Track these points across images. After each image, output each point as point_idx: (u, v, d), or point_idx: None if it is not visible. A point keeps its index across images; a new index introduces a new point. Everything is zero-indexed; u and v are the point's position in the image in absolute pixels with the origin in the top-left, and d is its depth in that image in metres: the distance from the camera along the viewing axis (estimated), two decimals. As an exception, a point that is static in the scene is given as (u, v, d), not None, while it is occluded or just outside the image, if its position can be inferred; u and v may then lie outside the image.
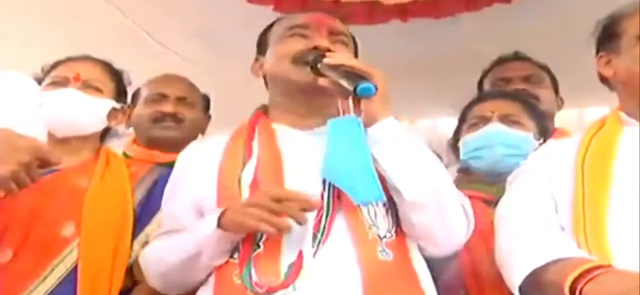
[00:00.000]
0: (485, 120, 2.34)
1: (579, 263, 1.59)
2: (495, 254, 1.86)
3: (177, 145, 2.38)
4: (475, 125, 2.36)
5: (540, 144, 2.25)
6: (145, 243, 2.06)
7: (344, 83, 1.74)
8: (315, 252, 1.68)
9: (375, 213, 1.76)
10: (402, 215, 1.78)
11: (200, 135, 2.91)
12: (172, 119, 2.78)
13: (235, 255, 1.72)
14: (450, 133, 2.58)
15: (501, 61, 2.99)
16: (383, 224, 1.76)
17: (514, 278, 1.70)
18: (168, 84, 2.89)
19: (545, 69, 2.95)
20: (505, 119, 2.31)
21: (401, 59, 3.58)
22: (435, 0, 3.20)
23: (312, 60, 1.86)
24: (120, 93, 2.37)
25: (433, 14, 3.08)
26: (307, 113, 1.94)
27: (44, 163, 1.65)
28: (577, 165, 1.81)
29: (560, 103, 2.95)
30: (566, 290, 1.56)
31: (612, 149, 1.81)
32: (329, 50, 1.88)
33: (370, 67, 1.78)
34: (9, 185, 1.57)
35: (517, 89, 2.75)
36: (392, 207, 1.78)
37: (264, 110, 2.03)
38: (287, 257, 1.67)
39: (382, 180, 1.71)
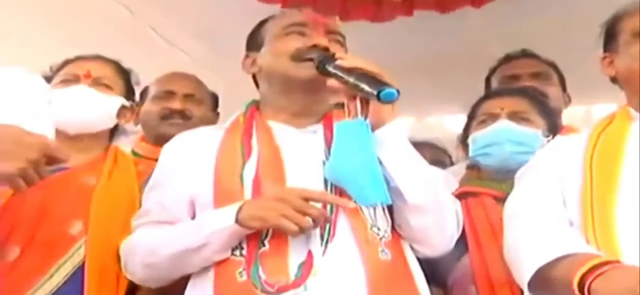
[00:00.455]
0: (494, 117, 2.33)
1: (587, 259, 1.59)
2: (504, 251, 1.86)
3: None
4: (484, 122, 2.35)
5: (549, 141, 2.24)
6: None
7: (364, 87, 1.72)
8: (324, 251, 1.69)
9: (376, 213, 1.77)
10: (399, 217, 1.79)
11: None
12: (180, 115, 2.79)
13: (237, 252, 1.72)
14: (457, 130, 2.58)
15: (509, 58, 2.99)
16: (382, 224, 1.77)
17: (523, 274, 1.71)
18: (176, 82, 2.91)
19: (553, 66, 2.95)
20: (514, 116, 2.30)
21: (408, 56, 3.58)
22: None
23: (319, 60, 1.86)
24: (129, 91, 2.39)
25: (438, 7, 3.08)
26: (302, 111, 1.96)
27: (52, 160, 1.64)
28: (585, 160, 1.81)
29: (567, 100, 2.95)
30: (575, 286, 1.56)
31: (621, 145, 1.81)
32: (327, 49, 1.89)
33: (383, 70, 1.78)
34: (17, 183, 1.55)
35: (525, 86, 2.75)
36: (388, 207, 1.79)
37: (257, 106, 2.03)
38: (295, 256, 1.68)
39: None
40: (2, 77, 1.78)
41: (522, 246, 1.78)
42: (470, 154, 2.39)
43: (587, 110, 4.30)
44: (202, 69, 3.46)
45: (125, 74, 2.39)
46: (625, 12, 1.96)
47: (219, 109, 3.06)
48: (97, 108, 2.23)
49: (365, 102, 1.76)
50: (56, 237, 1.99)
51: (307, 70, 1.89)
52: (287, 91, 1.96)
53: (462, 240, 2.07)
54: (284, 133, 1.93)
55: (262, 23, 2.10)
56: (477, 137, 2.36)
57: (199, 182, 1.86)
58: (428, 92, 4.15)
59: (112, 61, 2.36)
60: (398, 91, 1.72)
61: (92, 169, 2.16)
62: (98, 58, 2.34)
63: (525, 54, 2.97)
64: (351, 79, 1.75)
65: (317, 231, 1.70)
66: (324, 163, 1.82)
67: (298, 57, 1.91)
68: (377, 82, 1.73)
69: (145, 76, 2.97)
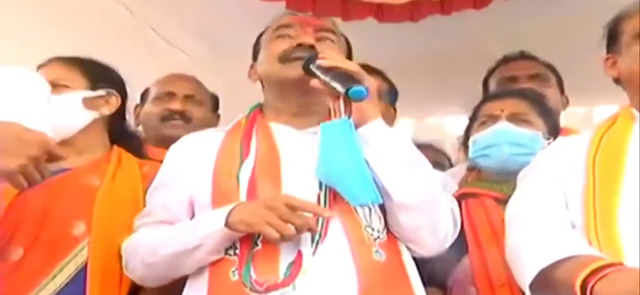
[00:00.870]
0: (494, 118, 2.34)
1: (589, 261, 1.58)
2: (506, 253, 1.86)
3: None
4: (484, 124, 2.36)
5: (549, 143, 2.24)
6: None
7: (336, 85, 1.76)
8: (314, 251, 1.70)
9: (370, 213, 1.78)
10: (390, 216, 1.80)
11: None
12: (180, 116, 2.79)
13: (231, 252, 1.74)
14: (457, 131, 2.58)
15: (507, 60, 3.00)
16: (377, 224, 1.78)
17: (525, 276, 1.70)
18: (175, 83, 2.91)
19: (551, 68, 2.95)
20: (514, 118, 2.31)
21: (408, 57, 3.58)
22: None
23: (306, 60, 1.87)
24: (94, 81, 2.27)
25: (441, 11, 3.07)
26: (300, 111, 1.97)
27: (52, 157, 1.64)
28: (588, 162, 1.82)
29: (565, 102, 2.96)
30: (577, 288, 1.55)
31: (623, 146, 1.81)
32: (313, 47, 1.91)
33: (361, 69, 1.81)
34: (17, 180, 1.55)
35: (523, 88, 2.75)
36: (383, 207, 1.80)
37: (260, 109, 2.05)
38: (285, 256, 1.69)
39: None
40: (2, 76, 1.77)
41: (524, 248, 1.78)
42: (470, 155, 2.40)
43: (588, 111, 4.29)
44: (202, 69, 3.46)
45: (82, 66, 2.28)
46: (627, 13, 1.97)
47: (219, 111, 3.07)
48: (59, 112, 2.12)
49: (348, 101, 1.77)
50: (59, 237, 1.98)
51: (294, 70, 1.91)
52: (281, 93, 1.99)
53: (462, 241, 2.07)
54: (283, 134, 1.94)
55: (262, 34, 2.12)
56: (477, 138, 2.36)
57: (198, 182, 1.89)
58: (428, 93, 4.14)
59: (67, 58, 2.28)
60: (367, 90, 1.75)
61: (96, 169, 2.15)
62: (52, 61, 2.27)
63: (523, 56, 2.98)
64: (327, 78, 1.78)
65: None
66: None
67: (285, 58, 1.94)
68: (348, 80, 1.75)
69: (145, 76, 2.98)
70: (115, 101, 2.29)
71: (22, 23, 3.55)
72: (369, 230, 1.75)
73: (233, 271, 1.70)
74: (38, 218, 1.99)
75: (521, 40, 3.07)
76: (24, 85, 1.88)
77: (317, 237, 1.71)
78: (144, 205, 2.04)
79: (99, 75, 2.29)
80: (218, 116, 3.04)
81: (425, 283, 1.84)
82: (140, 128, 2.81)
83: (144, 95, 2.95)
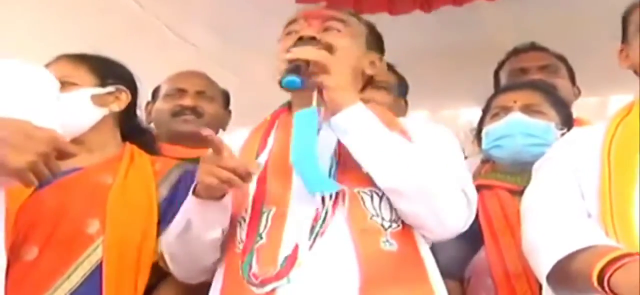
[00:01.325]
0: (507, 110, 2.34)
1: (606, 251, 1.57)
2: (523, 244, 1.84)
3: (198, 140, 2.35)
4: (497, 115, 2.36)
5: (563, 134, 2.24)
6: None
7: (278, 77, 1.80)
8: (312, 244, 1.69)
9: (380, 202, 1.76)
10: (392, 203, 1.77)
11: (221, 131, 2.91)
12: (191, 112, 2.79)
13: (240, 246, 1.76)
14: (472, 123, 2.57)
15: (517, 51, 3.00)
16: (387, 214, 1.75)
17: (542, 267, 1.69)
18: (186, 79, 2.92)
19: (562, 59, 2.95)
20: (527, 109, 2.31)
21: (422, 49, 3.57)
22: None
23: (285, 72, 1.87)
24: (103, 78, 2.25)
25: (454, 2, 3.07)
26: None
27: (62, 154, 1.62)
28: (603, 152, 1.80)
29: (577, 93, 2.96)
30: (594, 278, 1.54)
31: (639, 135, 1.79)
32: (314, 39, 1.89)
33: (326, 58, 1.80)
34: (27, 177, 1.53)
35: (533, 79, 2.75)
36: None
37: (289, 107, 2.04)
38: (285, 249, 1.69)
39: None
40: (11, 71, 1.76)
41: (541, 239, 1.76)
42: (483, 147, 2.40)
43: (602, 101, 4.27)
44: (212, 64, 3.46)
45: (89, 63, 2.26)
46: (634, 4, 1.95)
47: (231, 106, 3.06)
48: (67, 110, 2.08)
49: (320, 91, 1.79)
50: (74, 236, 1.98)
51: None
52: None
53: (478, 234, 2.07)
54: None
55: None
56: (490, 129, 2.37)
57: None
58: (442, 86, 4.13)
59: (74, 56, 2.26)
60: (302, 80, 1.76)
61: (109, 167, 2.15)
62: (58, 58, 2.25)
63: (534, 47, 2.97)
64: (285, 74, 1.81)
65: (309, 223, 1.71)
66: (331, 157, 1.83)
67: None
68: (292, 71, 1.77)
69: (156, 71, 2.97)
70: (125, 97, 2.27)
71: (31, 17, 3.56)
72: (378, 219, 1.73)
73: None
74: (52, 217, 1.99)
75: (535, 31, 3.07)
76: (34, 83, 1.87)
77: (316, 229, 1.70)
78: (157, 202, 2.07)
79: (107, 71, 2.27)
80: (229, 112, 3.04)
81: (441, 275, 1.82)
82: (152, 126, 2.81)
83: (154, 93, 2.96)
